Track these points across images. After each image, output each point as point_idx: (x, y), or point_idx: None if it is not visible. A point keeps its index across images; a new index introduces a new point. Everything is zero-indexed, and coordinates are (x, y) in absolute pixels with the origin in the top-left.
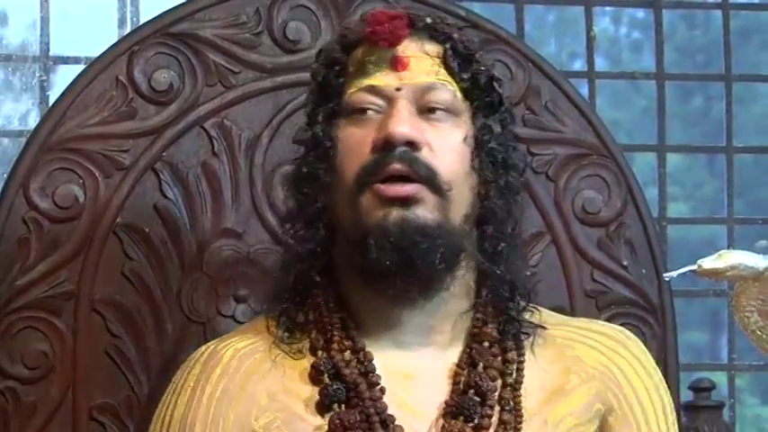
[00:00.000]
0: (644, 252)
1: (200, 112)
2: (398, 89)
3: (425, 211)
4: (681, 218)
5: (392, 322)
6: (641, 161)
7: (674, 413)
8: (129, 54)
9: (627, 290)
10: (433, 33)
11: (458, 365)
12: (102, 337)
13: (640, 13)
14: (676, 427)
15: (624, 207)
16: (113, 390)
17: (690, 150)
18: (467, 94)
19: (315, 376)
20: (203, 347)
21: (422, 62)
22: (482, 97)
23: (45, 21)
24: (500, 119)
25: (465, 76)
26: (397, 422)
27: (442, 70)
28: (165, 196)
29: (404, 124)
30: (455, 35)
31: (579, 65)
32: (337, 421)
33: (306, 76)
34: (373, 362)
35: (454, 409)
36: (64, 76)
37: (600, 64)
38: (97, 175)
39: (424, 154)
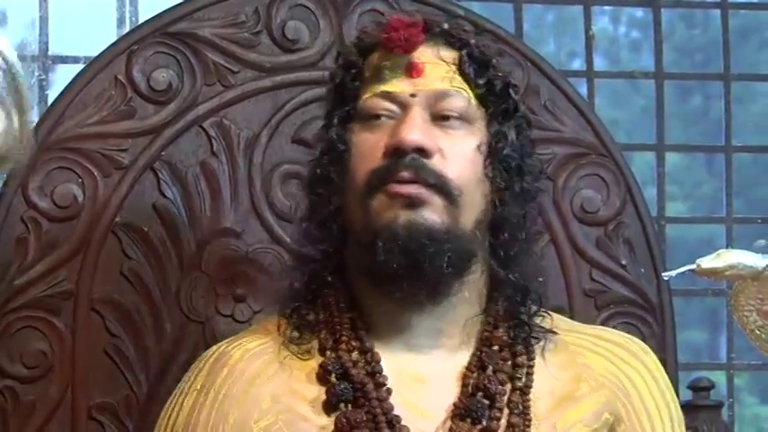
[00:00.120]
0: (643, 251)
1: (198, 112)
2: (413, 95)
3: (433, 215)
4: (680, 217)
5: (402, 325)
6: (640, 160)
7: (683, 424)
8: (127, 53)
9: (626, 289)
10: (450, 39)
11: (467, 368)
12: (101, 337)
13: (639, 13)
14: None
15: (623, 206)
16: (112, 389)
17: (689, 150)
18: (482, 100)
19: (322, 376)
20: (214, 347)
21: (437, 68)
22: (497, 104)
23: (44, 20)
24: (515, 125)
25: (480, 82)
26: (403, 422)
27: (457, 77)
28: (164, 195)
29: (415, 131)
30: (472, 41)
31: (578, 64)
32: (344, 420)
33: (304, 75)
34: (381, 363)
35: (462, 411)
36: (63, 76)
37: (599, 63)
38: (96, 174)
39: (435, 161)
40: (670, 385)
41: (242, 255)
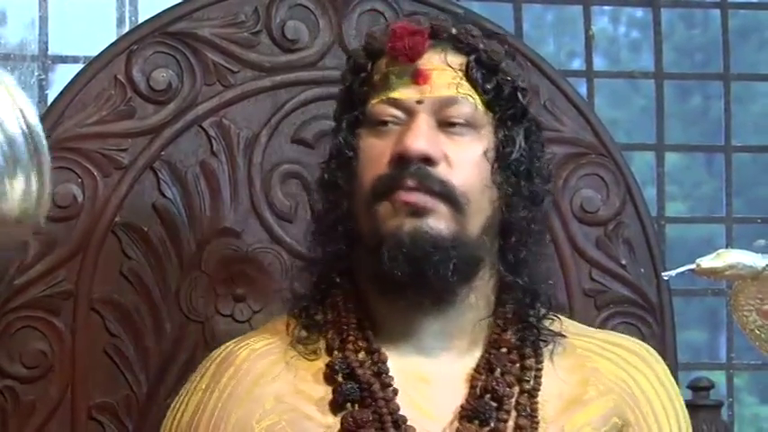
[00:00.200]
0: (642, 251)
1: (198, 112)
2: (419, 102)
3: (439, 223)
4: (679, 217)
5: (409, 329)
6: (640, 160)
7: (690, 431)
8: (127, 53)
9: (625, 289)
10: (458, 44)
11: (475, 370)
12: (101, 337)
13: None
14: None
15: (623, 206)
16: (112, 389)
17: (688, 149)
18: (489, 105)
19: (329, 376)
20: (222, 347)
21: (443, 75)
22: (505, 108)
23: (44, 20)
24: (524, 128)
25: (488, 87)
26: (409, 423)
27: (465, 83)
28: (164, 195)
29: (420, 139)
30: (480, 45)
31: (578, 64)
32: (350, 419)
33: (304, 75)
34: (388, 363)
35: (470, 413)
36: (62, 76)
37: (598, 63)
38: (96, 174)
39: (440, 169)
40: (678, 392)
41: (242, 255)
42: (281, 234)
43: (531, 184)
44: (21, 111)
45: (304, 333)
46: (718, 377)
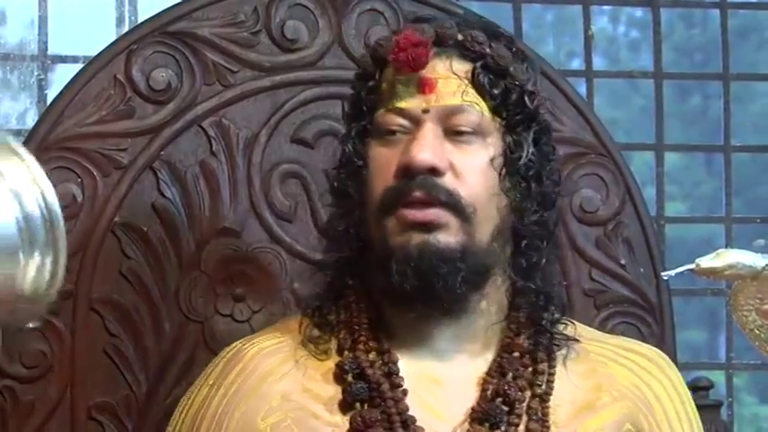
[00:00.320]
0: (642, 251)
1: (197, 111)
2: (425, 111)
3: (447, 236)
4: (679, 217)
5: (422, 334)
6: (639, 160)
7: None
8: (127, 53)
9: (625, 289)
10: (464, 51)
11: (487, 374)
12: (101, 337)
13: (638, 12)
14: None
15: (622, 206)
16: (112, 389)
17: (688, 149)
18: (497, 110)
19: (339, 375)
20: (232, 344)
21: (449, 83)
22: (513, 114)
23: (43, 20)
24: (534, 131)
25: (495, 92)
26: (419, 423)
27: (470, 90)
28: (164, 195)
29: (426, 150)
30: (487, 51)
31: (577, 64)
32: (359, 419)
33: (303, 74)
34: (398, 364)
35: (481, 416)
36: (62, 75)
37: (598, 63)
38: (95, 173)
39: (447, 179)
40: (691, 398)
41: (241, 254)
42: (281, 234)
43: (542, 188)
44: (41, 190)
45: (316, 332)
46: (718, 377)
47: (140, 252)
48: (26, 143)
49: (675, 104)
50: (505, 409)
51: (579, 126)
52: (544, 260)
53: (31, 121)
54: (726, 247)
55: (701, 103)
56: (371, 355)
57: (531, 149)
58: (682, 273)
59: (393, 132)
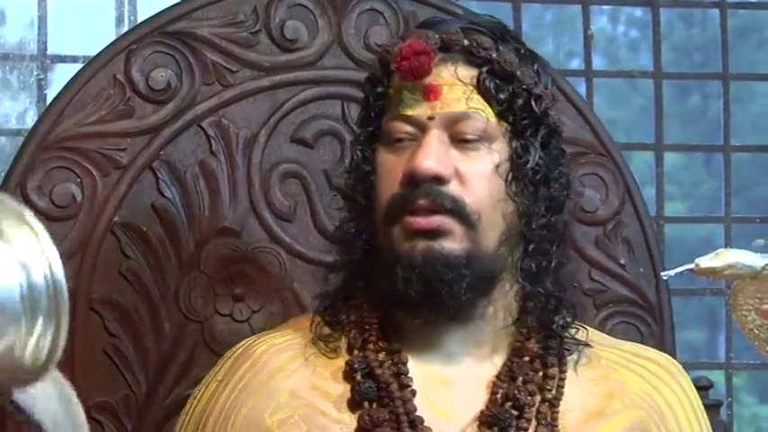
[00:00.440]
0: (641, 251)
1: (197, 111)
2: (431, 118)
3: (452, 243)
4: (678, 217)
5: (431, 337)
6: (639, 160)
7: None
8: (126, 53)
9: (624, 288)
10: (469, 57)
11: (497, 378)
12: (100, 337)
13: (638, 12)
14: None
15: (622, 206)
16: (111, 389)
17: (687, 149)
18: (503, 115)
19: (348, 374)
20: (243, 341)
21: (454, 90)
22: (520, 118)
23: (43, 19)
24: (542, 135)
25: (501, 97)
26: (426, 424)
27: (476, 96)
28: (163, 195)
29: (430, 158)
30: (493, 56)
31: (577, 63)
32: (366, 418)
33: (303, 74)
34: (408, 364)
35: (489, 419)
36: (61, 75)
37: (597, 63)
38: (95, 173)
39: (452, 187)
40: (701, 404)
41: (241, 254)
42: (280, 234)
43: (549, 192)
44: (48, 261)
45: (327, 330)
46: (717, 377)
47: (140, 252)
48: (26, 143)
49: (675, 104)
50: (515, 413)
51: (579, 126)
52: (554, 264)
53: (30, 120)
54: (725, 246)
55: (701, 103)
56: (381, 355)
57: (539, 153)
58: (681, 273)
59: (400, 139)
